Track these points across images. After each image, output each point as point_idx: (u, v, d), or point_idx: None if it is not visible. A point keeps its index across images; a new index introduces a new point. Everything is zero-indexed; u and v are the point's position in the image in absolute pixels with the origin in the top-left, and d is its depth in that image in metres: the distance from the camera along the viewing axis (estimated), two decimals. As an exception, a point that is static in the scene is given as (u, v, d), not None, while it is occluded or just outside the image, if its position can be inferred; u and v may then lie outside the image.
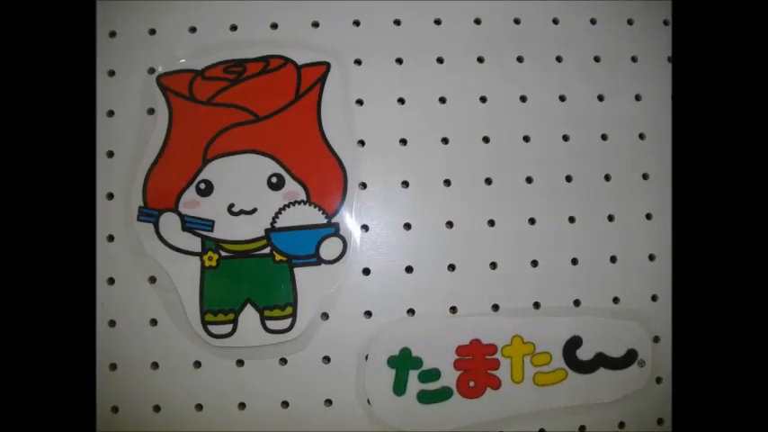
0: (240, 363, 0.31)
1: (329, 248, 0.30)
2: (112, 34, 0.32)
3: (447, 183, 0.32)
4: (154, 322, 0.31)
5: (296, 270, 0.30)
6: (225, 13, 0.32)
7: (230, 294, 0.30)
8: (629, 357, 0.32)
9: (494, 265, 0.32)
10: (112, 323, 0.31)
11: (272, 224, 0.30)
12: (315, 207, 0.30)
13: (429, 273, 0.31)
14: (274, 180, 0.30)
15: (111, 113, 0.31)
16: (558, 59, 0.33)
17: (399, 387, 0.30)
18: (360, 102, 0.32)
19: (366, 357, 0.30)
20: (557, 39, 0.33)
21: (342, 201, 0.30)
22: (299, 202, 0.30)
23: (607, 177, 0.33)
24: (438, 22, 0.33)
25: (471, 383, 0.30)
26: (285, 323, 0.30)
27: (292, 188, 0.30)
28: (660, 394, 0.32)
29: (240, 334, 0.30)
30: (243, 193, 0.30)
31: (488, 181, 0.32)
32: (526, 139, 0.33)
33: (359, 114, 0.32)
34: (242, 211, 0.30)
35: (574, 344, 0.31)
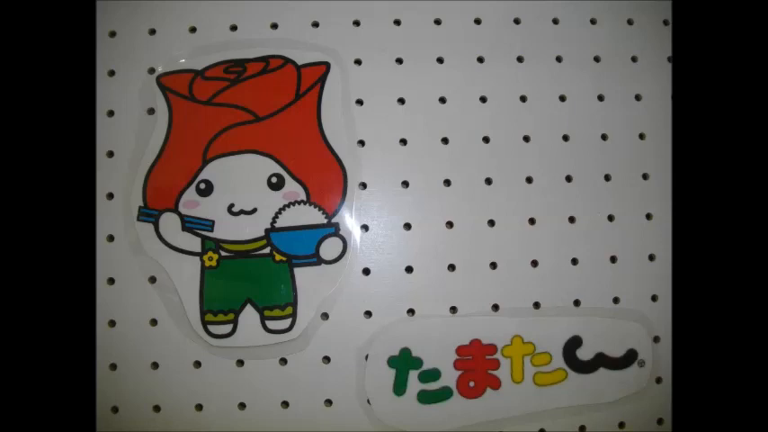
0: (240, 363, 0.31)
1: (329, 248, 0.30)
2: (112, 34, 0.32)
3: (447, 183, 0.32)
4: (154, 322, 0.31)
5: (296, 270, 0.30)
6: (225, 13, 0.32)
7: (230, 294, 0.30)
8: (630, 357, 0.32)
9: (494, 265, 0.32)
10: (112, 323, 0.31)
11: (272, 224, 0.30)
12: (315, 207, 0.30)
13: (429, 273, 0.31)
14: (274, 180, 0.30)
15: (111, 113, 0.31)
16: (558, 59, 0.33)
17: (399, 387, 0.30)
18: (360, 102, 0.32)
19: (366, 357, 0.30)
20: (557, 39, 0.33)
21: (342, 201, 0.30)
22: (299, 202, 0.30)
23: (607, 177, 0.33)
24: (438, 22, 0.33)
25: (471, 383, 0.30)
26: (285, 323, 0.30)
27: (292, 188, 0.30)
28: (660, 394, 0.32)
29: (240, 334, 0.30)
30: (243, 193, 0.30)
31: (488, 181, 0.32)
32: (526, 139, 0.33)
33: (359, 114, 0.32)
34: (242, 211, 0.30)
35: (574, 344, 0.31)
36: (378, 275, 0.31)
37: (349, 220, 0.30)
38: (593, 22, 0.34)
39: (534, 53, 0.33)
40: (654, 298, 0.33)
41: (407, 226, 0.32)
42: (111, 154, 0.31)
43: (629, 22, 0.34)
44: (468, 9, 0.33)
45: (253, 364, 0.31)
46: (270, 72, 0.31)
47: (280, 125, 0.30)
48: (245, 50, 0.31)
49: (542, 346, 0.31)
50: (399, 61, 0.32)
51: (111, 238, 0.31)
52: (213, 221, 0.30)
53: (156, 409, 0.30)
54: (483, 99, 0.32)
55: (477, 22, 0.33)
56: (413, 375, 0.30)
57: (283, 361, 0.31)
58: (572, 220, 0.32)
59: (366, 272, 0.31)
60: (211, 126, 0.30)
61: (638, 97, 0.33)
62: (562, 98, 0.33)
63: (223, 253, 0.30)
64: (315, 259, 0.30)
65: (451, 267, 0.31)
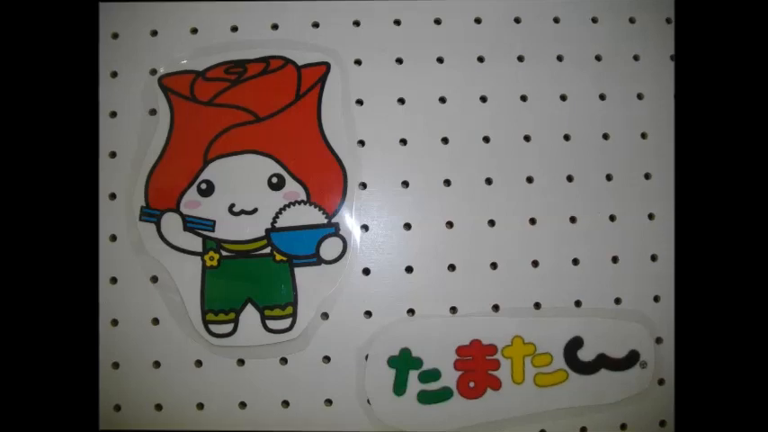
0: (241, 362, 0.31)
1: (329, 248, 0.30)
2: (115, 36, 0.32)
3: (447, 183, 0.32)
4: (155, 321, 0.31)
5: (296, 270, 0.30)
6: (226, 14, 0.32)
7: (231, 294, 0.30)
8: (632, 359, 0.31)
9: (494, 265, 0.31)
10: (115, 322, 0.31)
11: (272, 224, 0.30)
12: (315, 207, 0.30)
13: (429, 273, 0.31)
14: (275, 180, 0.30)
15: (113, 114, 0.32)
16: (559, 58, 0.33)
17: (399, 387, 0.30)
18: (360, 102, 0.32)
19: (366, 357, 0.30)
20: (557, 38, 0.33)
21: (342, 201, 0.30)
22: (300, 202, 0.30)
23: (609, 177, 0.33)
24: (438, 22, 0.33)
25: (471, 384, 0.30)
26: (285, 323, 0.30)
27: (292, 188, 0.30)
28: (663, 396, 0.32)
29: (241, 333, 0.30)
30: (243, 194, 0.30)
31: (488, 181, 0.32)
32: (526, 138, 0.32)
33: (359, 114, 0.32)
34: (243, 212, 0.30)
35: (575, 345, 0.31)
36: (378, 275, 0.31)
37: (349, 220, 0.30)
38: (594, 20, 0.33)
39: (535, 52, 0.33)
40: (656, 299, 0.32)
41: (407, 226, 0.32)
42: (113, 155, 0.31)
43: (631, 20, 0.34)
44: (468, 8, 0.33)
45: (253, 364, 0.31)
46: (270, 72, 0.31)
47: (280, 125, 0.31)
48: (246, 51, 0.31)
49: (543, 347, 0.31)
50: (399, 61, 0.32)
51: (113, 238, 0.31)
52: (214, 221, 0.30)
53: (158, 407, 0.31)
54: (483, 99, 0.32)
55: (478, 21, 0.33)
56: (413, 375, 0.30)
57: (284, 360, 0.31)
58: (573, 220, 0.32)
59: (366, 272, 0.31)
60: (212, 126, 0.30)
61: (639, 96, 0.33)
62: (563, 97, 0.33)
63: (224, 253, 0.30)
64: (315, 259, 0.30)
65: (451, 267, 0.31)
